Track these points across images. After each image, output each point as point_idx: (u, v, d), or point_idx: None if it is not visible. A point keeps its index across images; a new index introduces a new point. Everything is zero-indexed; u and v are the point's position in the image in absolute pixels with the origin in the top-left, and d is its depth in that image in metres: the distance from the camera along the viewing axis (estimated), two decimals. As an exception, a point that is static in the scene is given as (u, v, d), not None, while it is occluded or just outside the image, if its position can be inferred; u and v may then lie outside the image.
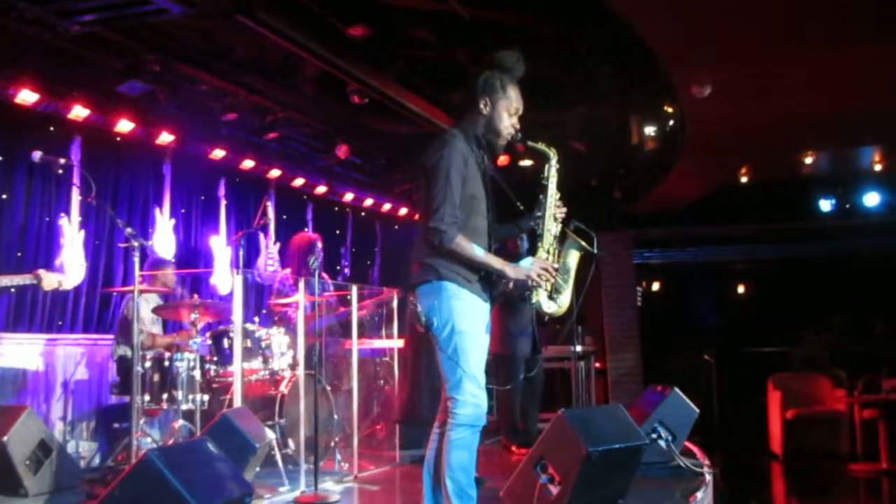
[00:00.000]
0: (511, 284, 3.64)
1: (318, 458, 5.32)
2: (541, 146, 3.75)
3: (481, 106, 3.63)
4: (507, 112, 3.64)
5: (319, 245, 6.69)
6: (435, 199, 3.44)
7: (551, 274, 3.59)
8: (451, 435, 3.45)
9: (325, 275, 6.70)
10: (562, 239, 3.76)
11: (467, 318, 3.48)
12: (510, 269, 3.53)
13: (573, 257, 3.81)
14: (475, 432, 3.48)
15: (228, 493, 3.25)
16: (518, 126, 3.69)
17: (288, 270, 6.84)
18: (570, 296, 3.77)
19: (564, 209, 3.77)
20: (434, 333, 3.51)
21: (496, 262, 3.52)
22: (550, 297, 3.68)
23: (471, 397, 3.44)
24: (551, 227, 3.72)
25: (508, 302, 6.58)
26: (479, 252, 3.48)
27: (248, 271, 8.22)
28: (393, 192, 10.44)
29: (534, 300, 3.65)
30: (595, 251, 3.91)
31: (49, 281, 4.96)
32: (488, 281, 3.59)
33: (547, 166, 3.77)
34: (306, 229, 9.57)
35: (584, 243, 3.81)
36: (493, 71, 3.66)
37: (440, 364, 3.50)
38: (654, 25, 6.01)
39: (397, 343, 6.87)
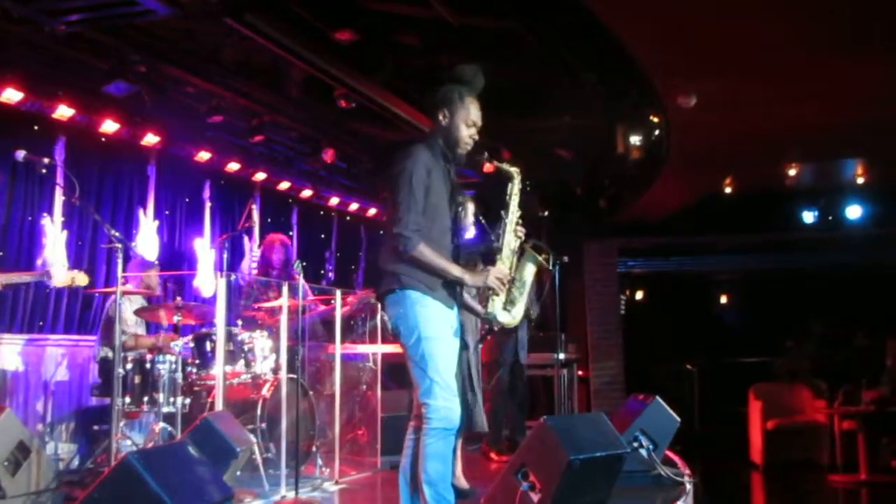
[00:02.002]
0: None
1: (300, 462, 5.31)
2: (504, 166, 3.92)
3: (440, 118, 3.74)
4: (465, 123, 3.75)
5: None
6: (399, 207, 3.54)
7: (505, 284, 3.70)
8: (426, 441, 3.49)
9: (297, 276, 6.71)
10: (520, 254, 3.89)
11: (433, 325, 3.55)
12: (468, 277, 3.65)
13: (529, 271, 3.93)
14: (449, 436, 3.51)
15: (209, 496, 3.23)
16: (476, 137, 3.80)
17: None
18: (523, 307, 3.90)
19: (524, 229, 3.88)
20: (402, 342, 3.59)
21: (455, 270, 3.62)
22: (505, 308, 3.79)
23: (442, 401, 3.48)
24: (510, 241, 3.84)
25: None
26: (439, 260, 3.57)
27: (231, 274, 8.19)
28: (378, 196, 10.40)
29: (489, 309, 3.76)
30: (550, 267, 4.04)
31: (59, 278, 5.06)
32: (452, 288, 3.66)
33: (510, 185, 3.90)
34: (291, 233, 9.55)
35: (540, 258, 3.94)
36: (452, 84, 3.77)
37: (410, 371, 3.57)
38: (639, 35, 6.03)
39: (382, 348, 6.87)
